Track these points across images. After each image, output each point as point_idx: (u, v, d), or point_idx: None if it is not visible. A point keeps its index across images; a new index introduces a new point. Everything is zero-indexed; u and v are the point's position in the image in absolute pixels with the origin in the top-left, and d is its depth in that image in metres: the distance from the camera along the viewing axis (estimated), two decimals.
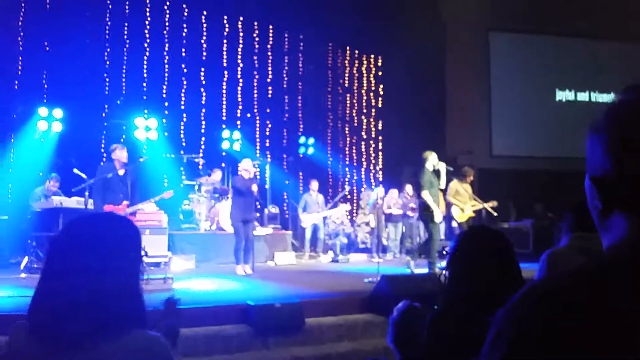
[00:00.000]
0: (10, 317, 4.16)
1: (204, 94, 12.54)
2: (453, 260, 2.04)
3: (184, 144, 11.93)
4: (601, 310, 0.62)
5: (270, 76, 13.61)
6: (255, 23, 13.42)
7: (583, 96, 14.11)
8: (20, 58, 10.63)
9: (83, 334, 1.25)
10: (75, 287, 1.27)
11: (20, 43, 10.65)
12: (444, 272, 2.08)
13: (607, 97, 13.71)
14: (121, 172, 6.64)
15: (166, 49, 12.18)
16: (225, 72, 12.97)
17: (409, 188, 11.54)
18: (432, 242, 7.66)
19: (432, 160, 7.74)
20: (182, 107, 12.30)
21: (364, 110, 14.93)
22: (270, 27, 13.61)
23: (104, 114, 11.23)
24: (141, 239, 1.44)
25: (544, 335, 0.62)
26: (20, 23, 10.65)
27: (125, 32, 11.76)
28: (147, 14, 12.05)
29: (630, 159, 0.70)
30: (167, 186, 10.17)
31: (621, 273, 0.65)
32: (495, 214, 9.43)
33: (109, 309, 1.28)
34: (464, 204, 9.01)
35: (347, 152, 14.53)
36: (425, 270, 7.45)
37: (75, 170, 8.02)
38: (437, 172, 7.90)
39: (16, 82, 10.55)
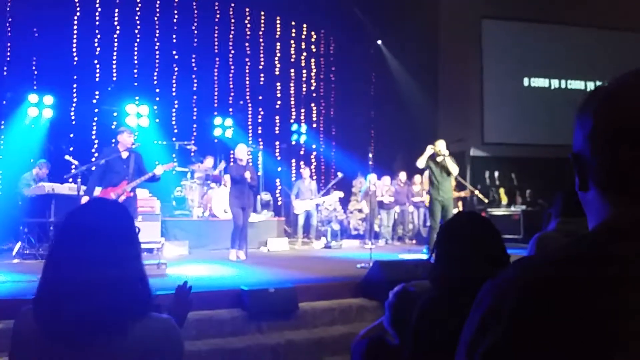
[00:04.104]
0: (4, 302, 4.16)
1: (195, 80, 12.47)
2: (438, 245, 2.06)
3: (175, 130, 11.88)
4: (572, 294, 0.64)
5: (262, 63, 13.55)
6: (247, 9, 13.33)
7: (576, 84, 14.16)
8: (9, 44, 10.50)
9: (90, 321, 1.26)
10: (78, 274, 1.28)
11: (9, 29, 10.51)
12: (430, 256, 2.11)
13: None
14: (124, 154, 6.55)
15: (157, 35, 12.08)
16: (217, 59, 12.90)
17: (402, 175, 11.58)
18: (430, 226, 7.95)
19: (435, 147, 7.85)
20: (174, 93, 12.24)
21: (357, 98, 14.92)
22: (262, 13, 13.52)
23: (94, 101, 11.15)
24: (134, 222, 1.45)
25: (519, 309, 0.65)
26: (8, 8, 10.50)
27: (116, 18, 11.65)
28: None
29: (597, 134, 0.74)
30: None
31: (598, 258, 0.67)
32: (486, 200, 9.52)
33: (114, 294, 1.29)
34: None
35: (339, 140, 14.54)
36: (418, 256, 7.55)
37: (67, 157, 7.98)
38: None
39: (5, 68, 10.44)
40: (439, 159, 7.90)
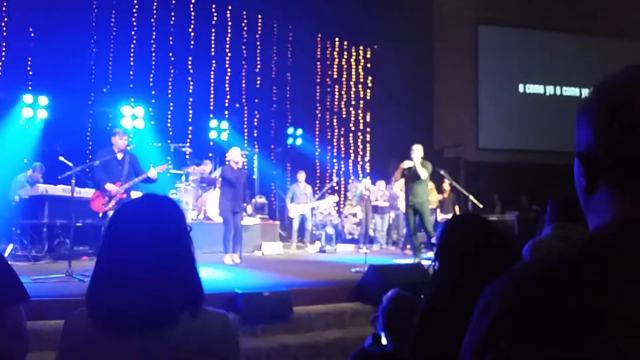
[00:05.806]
0: None
1: (191, 83, 12.44)
2: (438, 250, 2.04)
3: (170, 133, 11.84)
4: (577, 295, 0.62)
5: (258, 66, 13.55)
6: (244, 12, 13.33)
7: (571, 91, 14.24)
8: (4, 44, 10.45)
9: (142, 313, 1.24)
10: (129, 267, 1.27)
11: (4, 29, 10.46)
12: (433, 262, 2.09)
13: None
14: (119, 155, 6.54)
15: (153, 36, 12.05)
16: (213, 62, 12.88)
17: None
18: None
19: (412, 152, 7.89)
20: (170, 96, 12.20)
21: (353, 102, 14.94)
22: (259, 16, 13.53)
23: (90, 102, 11.11)
24: (185, 218, 1.44)
25: (524, 312, 0.64)
26: (4, 8, 10.45)
27: (112, 19, 11.62)
28: (135, 0, 11.90)
29: (611, 130, 0.70)
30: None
31: (602, 258, 0.66)
32: (480, 205, 9.54)
33: (169, 289, 1.28)
34: None
35: (335, 144, 14.54)
36: (411, 261, 7.55)
37: (61, 158, 7.92)
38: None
39: (0, 68, 10.38)
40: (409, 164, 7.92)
